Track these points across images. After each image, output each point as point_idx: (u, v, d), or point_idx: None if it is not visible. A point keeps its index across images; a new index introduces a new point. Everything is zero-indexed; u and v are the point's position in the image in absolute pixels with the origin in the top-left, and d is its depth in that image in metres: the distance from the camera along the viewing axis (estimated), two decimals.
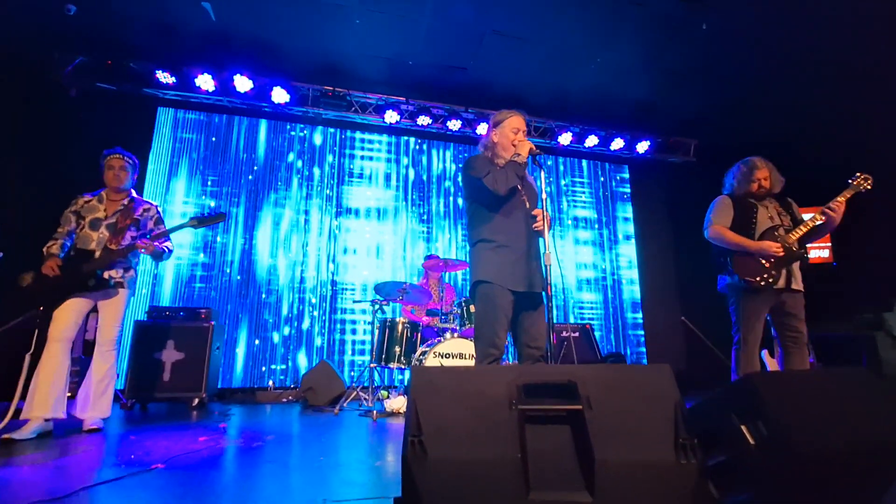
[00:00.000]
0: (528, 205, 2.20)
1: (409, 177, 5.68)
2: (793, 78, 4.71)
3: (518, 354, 2.21)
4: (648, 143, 6.00)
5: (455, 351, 3.57)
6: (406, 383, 4.17)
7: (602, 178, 6.41)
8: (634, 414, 1.08)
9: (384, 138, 5.70)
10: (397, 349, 3.86)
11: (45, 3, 3.90)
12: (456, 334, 3.66)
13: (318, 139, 5.47)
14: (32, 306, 2.68)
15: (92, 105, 4.69)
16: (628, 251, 6.28)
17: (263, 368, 4.80)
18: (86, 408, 2.76)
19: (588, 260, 6.08)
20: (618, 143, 5.93)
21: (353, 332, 5.10)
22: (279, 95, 4.97)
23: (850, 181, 2.61)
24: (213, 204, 4.99)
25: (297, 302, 5.02)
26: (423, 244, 5.53)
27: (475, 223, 2.25)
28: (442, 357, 3.53)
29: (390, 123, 5.39)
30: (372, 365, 3.85)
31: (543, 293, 2.06)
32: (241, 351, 4.76)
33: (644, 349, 5.99)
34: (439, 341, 3.59)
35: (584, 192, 6.28)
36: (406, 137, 5.76)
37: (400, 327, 3.92)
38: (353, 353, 5.04)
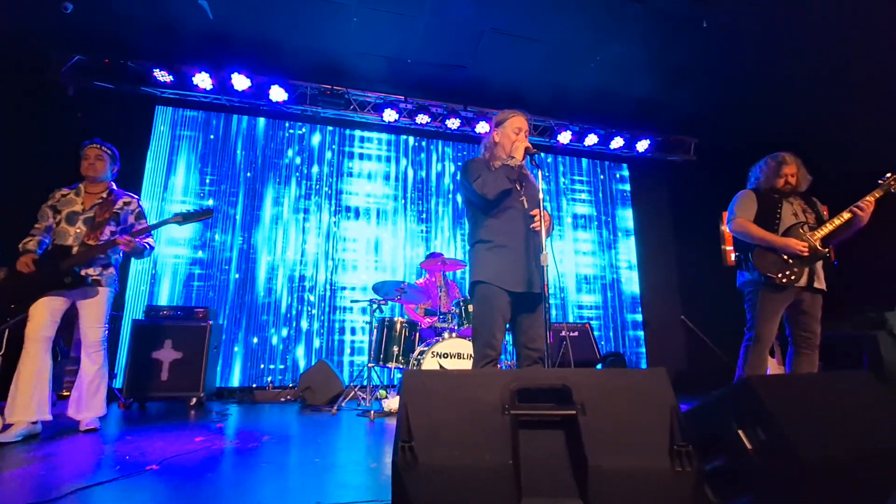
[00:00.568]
0: (526, 205, 2.18)
1: (408, 176, 5.66)
2: (794, 77, 4.67)
3: (517, 355, 2.20)
4: (648, 141, 5.96)
5: (453, 351, 3.56)
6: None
7: (602, 177, 6.38)
8: (629, 419, 1.06)
9: (383, 136, 5.67)
10: (395, 349, 3.85)
11: (42, 2, 3.88)
12: (454, 334, 3.64)
13: (316, 138, 5.45)
14: (3, 304, 2.55)
15: (90, 104, 4.67)
16: (628, 250, 6.25)
17: (262, 365, 4.79)
18: (80, 409, 2.72)
19: (587, 259, 6.06)
20: (618, 142, 5.90)
21: (353, 331, 5.09)
22: (277, 94, 4.95)
23: (879, 181, 2.58)
24: (210, 203, 4.97)
25: (296, 301, 5.00)
26: (421, 243, 5.51)
27: (474, 224, 2.27)
28: (440, 357, 3.52)
29: (389, 122, 5.36)
30: (370, 365, 3.84)
31: (542, 294, 2.04)
32: (239, 350, 4.75)
33: (644, 349, 5.97)
34: (437, 341, 3.58)
35: (583, 191, 6.25)
36: (405, 136, 5.74)
37: (398, 327, 3.90)
38: (351, 354, 5.03)
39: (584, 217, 6.17)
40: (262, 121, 5.31)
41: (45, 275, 2.59)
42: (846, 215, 2.53)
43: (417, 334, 3.95)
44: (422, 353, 3.58)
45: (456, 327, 3.80)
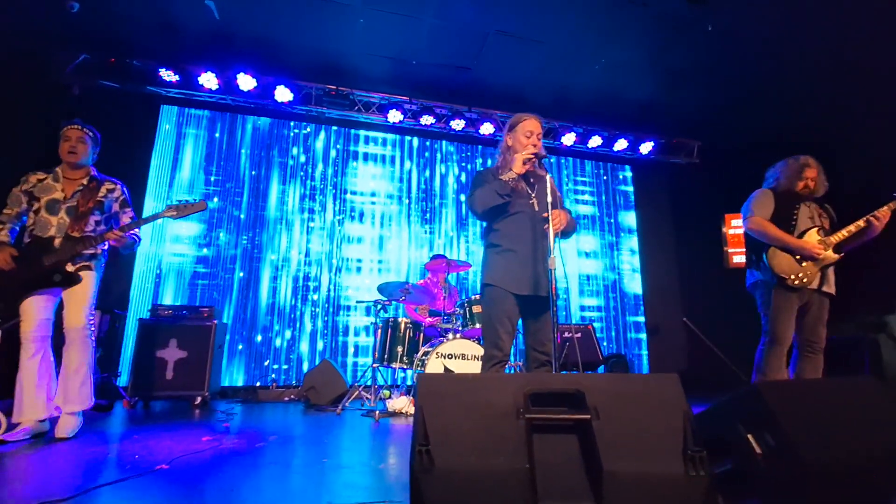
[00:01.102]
0: (537, 208, 2.20)
1: (413, 176, 5.67)
2: (797, 80, 4.69)
3: (525, 357, 2.24)
4: (652, 143, 5.98)
5: (457, 351, 3.57)
6: (409, 384, 4.17)
7: (605, 179, 6.39)
8: (642, 424, 1.08)
9: (388, 137, 5.69)
10: (400, 349, 3.86)
11: (48, 1, 3.89)
12: (458, 335, 3.66)
13: (321, 138, 5.46)
14: None
15: (95, 103, 4.68)
16: (630, 252, 6.27)
17: (267, 362, 4.80)
18: (63, 399, 2.51)
19: (590, 260, 6.08)
20: (621, 144, 5.91)
21: (356, 332, 5.11)
22: (282, 94, 4.96)
23: (894, 194, 2.60)
24: (215, 201, 4.99)
25: (300, 301, 5.02)
26: (426, 244, 5.52)
27: (485, 227, 2.32)
28: (444, 357, 3.53)
29: (394, 123, 5.37)
30: (374, 365, 3.85)
31: (549, 297, 2.06)
32: (243, 349, 4.77)
33: (646, 350, 5.99)
34: (441, 342, 3.59)
35: (586, 193, 6.27)
36: (409, 137, 5.75)
37: (402, 327, 3.92)
38: (355, 354, 5.05)
39: (587, 218, 6.19)
40: (267, 121, 5.32)
41: (29, 272, 2.41)
42: (862, 223, 2.55)
43: (422, 335, 3.97)
44: (426, 353, 3.60)
45: (460, 328, 3.82)
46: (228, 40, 4.53)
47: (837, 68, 4.46)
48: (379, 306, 4.05)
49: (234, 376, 4.69)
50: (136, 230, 2.65)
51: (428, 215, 5.61)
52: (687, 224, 6.30)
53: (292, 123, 5.40)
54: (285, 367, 4.84)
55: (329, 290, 5.12)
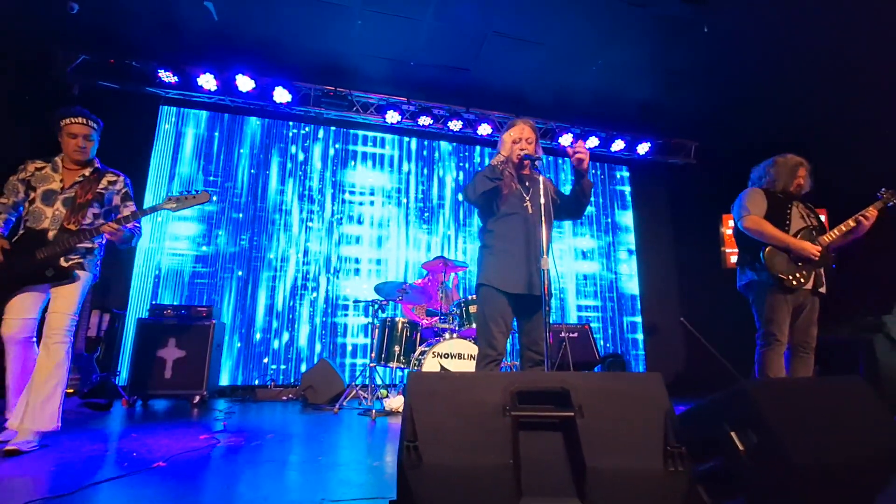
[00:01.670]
0: (531, 211, 2.23)
1: (411, 177, 5.70)
2: (795, 80, 4.71)
3: (520, 356, 2.27)
4: (649, 144, 6.00)
5: (454, 351, 3.60)
6: (404, 385, 4.19)
7: (602, 179, 6.42)
8: (625, 421, 1.10)
9: (386, 138, 5.71)
10: (397, 348, 3.89)
11: (47, 2, 3.91)
12: (455, 335, 3.68)
13: (319, 139, 5.49)
14: None
15: (95, 103, 4.68)
16: (628, 252, 6.29)
17: (266, 360, 4.83)
18: (22, 416, 2.18)
19: (587, 261, 6.10)
20: (618, 145, 5.94)
21: (354, 332, 5.13)
22: (281, 95, 4.99)
23: (878, 195, 2.63)
24: (215, 199, 5.01)
25: (298, 300, 5.04)
26: (424, 244, 5.55)
27: (481, 228, 2.37)
28: (441, 357, 3.56)
29: (391, 124, 5.40)
30: (371, 364, 3.88)
31: (542, 296, 2.09)
32: (241, 349, 4.80)
33: (643, 351, 6.01)
34: (438, 341, 3.62)
35: None
36: (407, 138, 5.77)
37: (400, 327, 3.94)
38: (353, 355, 5.07)
39: (584, 219, 6.21)
40: (265, 122, 5.35)
41: (21, 266, 2.25)
42: (851, 223, 2.56)
43: (419, 334, 3.99)
44: (423, 353, 3.63)
45: (457, 328, 3.84)
46: (227, 41, 4.56)
47: (835, 68, 4.48)
48: (376, 306, 4.07)
49: (232, 376, 4.71)
50: (137, 223, 2.50)
51: (427, 215, 5.63)
52: (684, 224, 6.32)
53: (291, 124, 5.42)
54: (283, 367, 4.87)
55: (327, 290, 5.14)
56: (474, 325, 3.66)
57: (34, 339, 2.35)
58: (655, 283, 6.21)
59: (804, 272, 2.51)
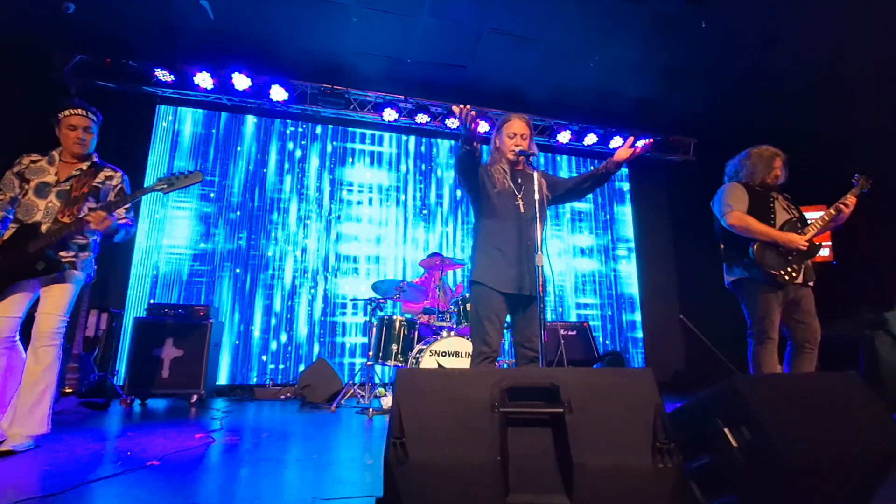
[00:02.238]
0: (523, 209, 2.22)
1: (408, 175, 5.68)
2: (793, 76, 4.68)
3: (514, 353, 2.26)
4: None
5: (451, 349, 3.59)
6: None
7: None
8: (614, 418, 1.09)
9: (383, 136, 5.70)
10: (394, 347, 3.88)
11: (43, 2, 3.91)
12: (452, 332, 3.68)
13: (316, 137, 5.48)
14: None
15: (92, 103, 4.67)
16: (626, 249, 6.27)
17: (265, 357, 4.82)
18: (11, 421, 2.16)
19: (586, 258, 6.08)
20: (617, 142, 5.92)
21: (352, 331, 5.12)
22: (277, 93, 4.98)
23: (853, 182, 2.61)
24: (212, 196, 5.01)
25: (296, 299, 5.04)
26: (421, 242, 5.54)
27: (474, 225, 2.36)
28: (438, 355, 3.55)
29: (389, 121, 5.39)
30: (369, 363, 3.87)
31: (536, 295, 2.08)
32: (239, 348, 4.79)
33: (642, 348, 6.00)
34: (436, 339, 3.61)
35: None
36: (405, 135, 5.76)
37: (397, 325, 3.93)
38: (351, 356, 5.06)
39: (582, 216, 6.19)
40: (262, 120, 5.34)
41: (13, 261, 2.18)
42: (833, 211, 2.54)
43: (416, 333, 3.98)
44: (420, 351, 3.62)
45: (454, 326, 3.83)
46: (223, 40, 4.55)
47: (833, 64, 4.45)
48: (374, 304, 4.06)
49: (230, 375, 4.71)
50: (129, 217, 2.44)
51: (425, 212, 5.62)
52: (683, 221, 6.30)
53: (288, 122, 5.41)
54: (282, 366, 4.86)
55: (325, 289, 5.14)
56: None
57: (16, 339, 2.28)
58: (655, 281, 6.19)
59: (795, 266, 2.48)
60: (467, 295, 3.91)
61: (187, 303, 4.60)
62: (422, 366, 3.47)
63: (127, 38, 4.49)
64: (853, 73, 4.51)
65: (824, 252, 5.55)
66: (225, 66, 4.77)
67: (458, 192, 5.72)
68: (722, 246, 2.72)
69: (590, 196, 6.26)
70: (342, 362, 5.00)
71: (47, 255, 2.21)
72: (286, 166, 5.31)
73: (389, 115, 5.29)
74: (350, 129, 5.59)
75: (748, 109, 5.28)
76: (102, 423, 3.01)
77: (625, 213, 6.37)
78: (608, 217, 6.28)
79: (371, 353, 3.89)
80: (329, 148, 5.49)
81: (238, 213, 5.08)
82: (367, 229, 5.41)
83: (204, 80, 4.77)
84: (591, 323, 5.08)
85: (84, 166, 2.42)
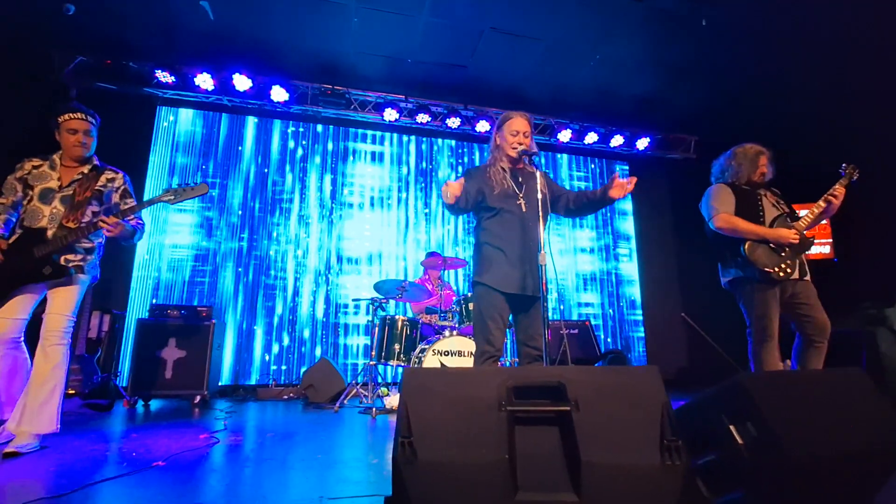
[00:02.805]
0: (524, 209, 2.21)
1: (409, 175, 5.69)
2: (793, 74, 4.68)
3: (518, 353, 2.26)
4: (648, 139, 5.98)
5: (454, 349, 3.59)
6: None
7: (602, 175, 6.39)
8: (621, 416, 1.09)
9: (384, 136, 5.70)
10: (397, 347, 3.88)
11: (43, 3, 3.91)
12: (455, 332, 3.68)
13: (317, 137, 5.48)
14: None
15: (92, 104, 4.67)
16: (628, 248, 6.27)
17: (268, 358, 4.83)
18: (20, 420, 2.16)
19: (587, 257, 6.08)
20: (618, 140, 5.92)
21: (355, 331, 5.13)
22: (278, 94, 4.98)
23: (841, 172, 2.61)
24: (214, 196, 5.01)
25: (299, 299, 5.04)
26: (424, 242, 5.54)
27: (475, 225, 2.35)
28: (441, 355, 3.55)
29: (389, 121, 5.39)
30: (371, 363, 3.88)
31: (540, 293, 2.07)
32: (242, 348, 4.80)
33: (644, 347, 6.00)
34: (438, 339, 3.61)
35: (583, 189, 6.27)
36: (406, 135, 5.76)
37: (399, 325, 3.94)
38: (355, 357, 5.07)
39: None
40: (263, 121, 5.34)
41: (20, 264, 2.22)
42: (822, 204, 2.55)
43: (419, 332, 3.99)
44: (423, 350, 3.62)
45: (457, 325, 3.83)
46: (223, 41, 4.55)
47: (834, 61, 4.45)
48: (376, 304, 4.07)
49: (233, 375, 4.72)
50: (139, 219, 2.48)
51: (426, 210, 5.62)
52: (685, 219, 6.29)
53: (289, 123, 5.41)
54: (284, 367, 4.87)
55: (327, 289, 5.14)
56: None
57: (21, 340, 2.31)
58: (656, 279, 6.19)
59: (788, 261, 2.48)
60: (469, 294, 3.92)
61: (189, 303, 4.60)
62: (424, 365, 3.48)
63: (127, 40, 4.50)
64: (854, 70, 4.50)
65: (825, 249, 5.55)
66: (225, 67, 4.77)
67: None
68: (714, 247, 2.72)
69: None
70: (346, 364, 5.00)
71: (53, 259, 2.25)
72: (287, 167, 5.31)
73: (390, 115, 5.29)
74: (351, 129, 5.59)
75: (749, 107, 5.28)
76: (106, 425, 3.01)
77: (626, 212, 6.37)
78: (609, 215, 6.28)
79: (373, 353, 3.89)
80: (330, 148, 5.49)
81: (240, 213, 5.08)
82: (369, 229, 5.41)
83: (205, 81, 4.78)
84: (592, 322, 5.08)
85: (85, 169, 2.44)
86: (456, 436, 1.08)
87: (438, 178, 5.76)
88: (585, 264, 6.04)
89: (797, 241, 2.48)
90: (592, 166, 6.39)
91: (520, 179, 2.28)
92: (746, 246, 2.49)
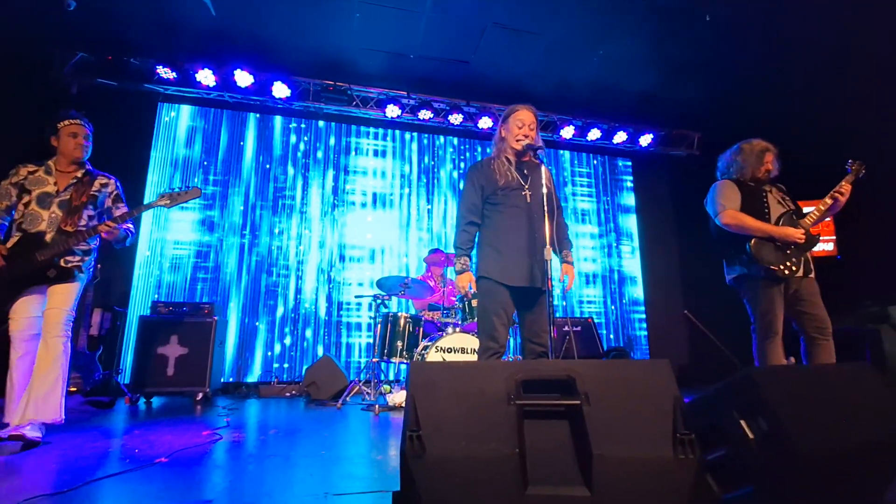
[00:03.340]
0: (529, 200, 2.20)
1: (411, 171, 5.67)
2: (798, 70, 4.65)
3: (522, 349, 2.24)
4: (651, 136, 5.95)
5: (457, 345, 3.58)
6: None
7: (604, 171, 6.37)
8: (632, 409, 1.08)
9: (386, 132, 5.68)
10: (399, 344, 3.87)
11: (44, 0, 3.88)
12: (458, 329, 3.66)
13: (319, 134, 5.46)
14: None
15: (93, 101, 4.68)
16: (631, 244, 6.25)
17: (270, 353, 4.82)
18: (24, 409, 2.22)
19: (590, 254, 6.07)
20: (620, 137, 5.89)
21: (358, 328, 5.12)
22: (280, 90, 4.96)
23: (847, 168, 2.59)
24: (216, 193, 5.00)
25: (301, 296, 5.03)
26: (425, 238, 5.53)
27: (481, 221, 2.30)
28: (444, 352, 3.54)
29: (391, 118, 5.37)
30: (374, 360, 3.87)
31: (544, 288, 2.06)
32: (244, 345, 4.79)
33: (647, 344, 5.99)
34: (441, 336, 3.60)
35: (586, 186, 6.25)
36: (408, 132, 5.74)
37: (402, 322, 3.92)
38: (358, 355, 5.06)
39: (587, 211, 6.18)
40: (265, 117, 5.32)
41: (22, 268, 2.30)
42: (829, 201, 2.53)
43: (421, 329, 3.97)
44: (426, 347, 3.61)
45: (460, 322, 3.82)
46: (225, 37, 4.53)
47: (837, 57, 4.42)
48: (378, 301, 4.05)
49: (235, 372, 4.71)
50: (130, 224, 2.57)
51: (429, 206, 5.61)
52: (688, 216, 6.26)
53: (290, 119, 5.39)
54: (286, 364, 4.86)
55: (329, 286, 5.13)
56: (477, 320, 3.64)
57: (38, 336, 2.38)
58: (659, 275, 6.17)
59: (793, 259, 2.46)
60: (472, 291, 3.90)
61: (191, 300, 4.59)
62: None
63: (128, 36, 4.48)
64: (859, 66, 4.48)
65: (829, 246, 5.53)
66: (227, 63, 4.75)
67: (461, 186, 5.70)
68: (719, 244, 2.71)
69: (593, 190, 6.27)
70: (347, 357, 4.99)
71: (55, 262, 2.36)
72: (289, 164, 5.29)
73: (392, 111, 5.27)
74: (353, 125, 5.57)
75: (753, 103, 5.25)
76: (108, 422, 3.01)
77: (629, 208, 6.35)
78: (612, 212, 6.26)
79: (376, 350, 3.88)
80: (331, 145, 5.48)
81: (242, 209, 5.07)
82: (371, 225, 5.39)
83: (206, 77, 4.76)
84: (595, 319, 5.06)
85: (79, 174, 2.54)
86: (465, 430, 1.06)
87: (440, 174, 5.75)
88: (588, 261, 6.03)
89: (803, 239, 2.46)
90: (595, 163, 6.37)
91: (525, 171, 2.26)
92: (752, 243, 2.48)
